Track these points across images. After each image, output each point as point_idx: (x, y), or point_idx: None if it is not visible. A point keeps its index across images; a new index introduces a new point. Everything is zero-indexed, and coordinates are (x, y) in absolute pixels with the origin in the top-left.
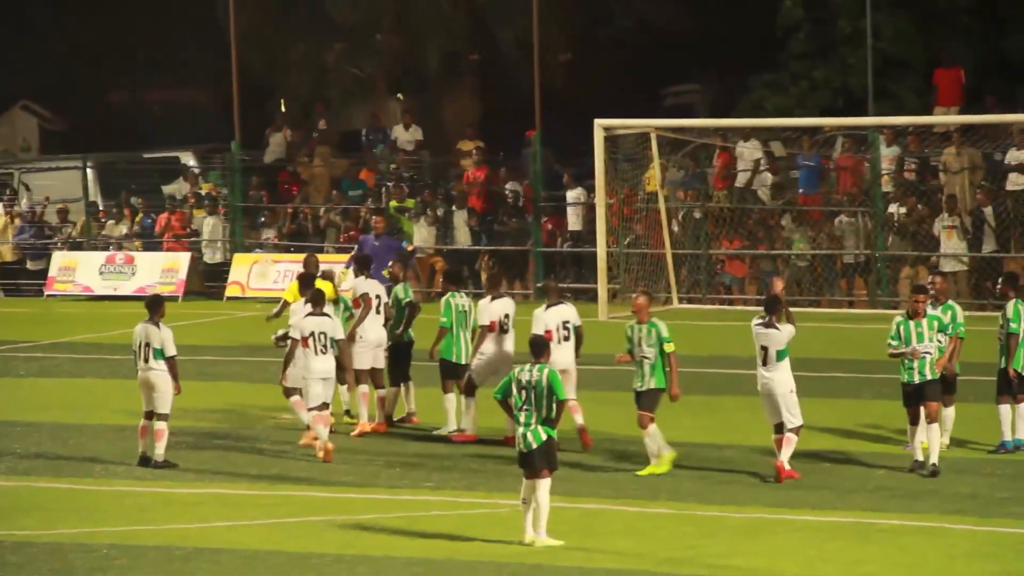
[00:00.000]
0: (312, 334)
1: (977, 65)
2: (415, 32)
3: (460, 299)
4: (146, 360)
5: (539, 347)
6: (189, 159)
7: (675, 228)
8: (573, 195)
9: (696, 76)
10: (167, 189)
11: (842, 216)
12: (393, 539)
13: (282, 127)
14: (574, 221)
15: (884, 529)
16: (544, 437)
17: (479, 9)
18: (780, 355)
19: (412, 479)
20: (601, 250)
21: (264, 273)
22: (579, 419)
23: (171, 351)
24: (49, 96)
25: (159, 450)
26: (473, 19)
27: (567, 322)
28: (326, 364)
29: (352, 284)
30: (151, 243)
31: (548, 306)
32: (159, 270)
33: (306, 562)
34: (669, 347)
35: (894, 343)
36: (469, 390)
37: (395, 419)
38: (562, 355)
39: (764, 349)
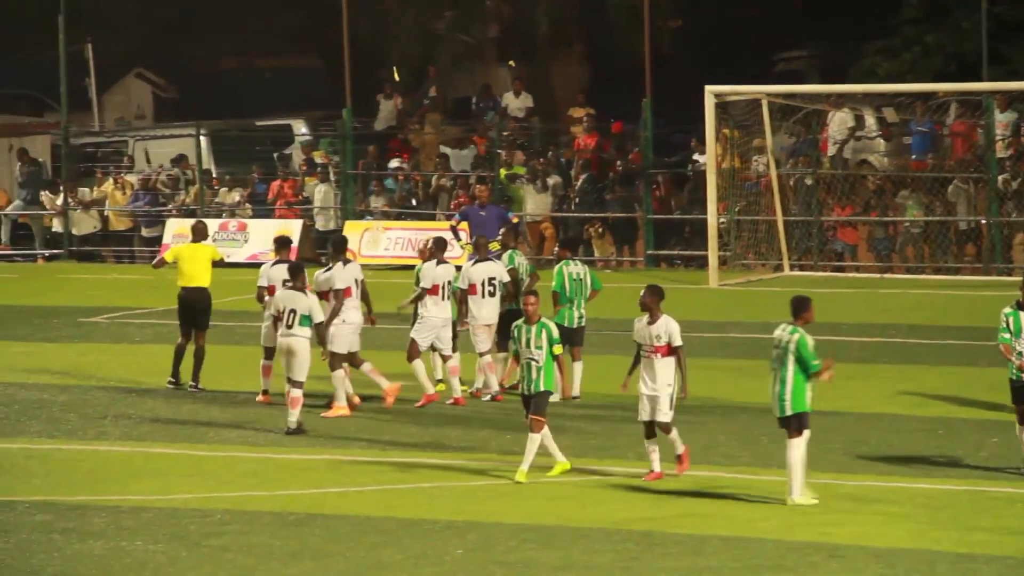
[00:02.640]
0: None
1: None
2: None
3: (574, 267)
4: (289, 326)
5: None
6: (301, 126)
7: (787, 195)
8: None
9: (807, 42)
10: (280, 156)
11: (956, 182)
12: (503, 505)
13: (393, 95)
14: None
15: (997, 497)
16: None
17: None
18: None
19: (523, 445)
20: (712, 217)
21: (375, 240)
22: (492, 380)
23: (319, 317)
24: (162, 64)
25: (292, 416)
26: None
27: (493, 278)
28: (491, 309)
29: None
30: (263, 210)
31: (475, 262)
32: (272, 237)
33: (416, 528)
34: (558, 349)
35: (1006, 336)
36: (414, 355)
37: (507, 386)
38: (487, 310)
39: None
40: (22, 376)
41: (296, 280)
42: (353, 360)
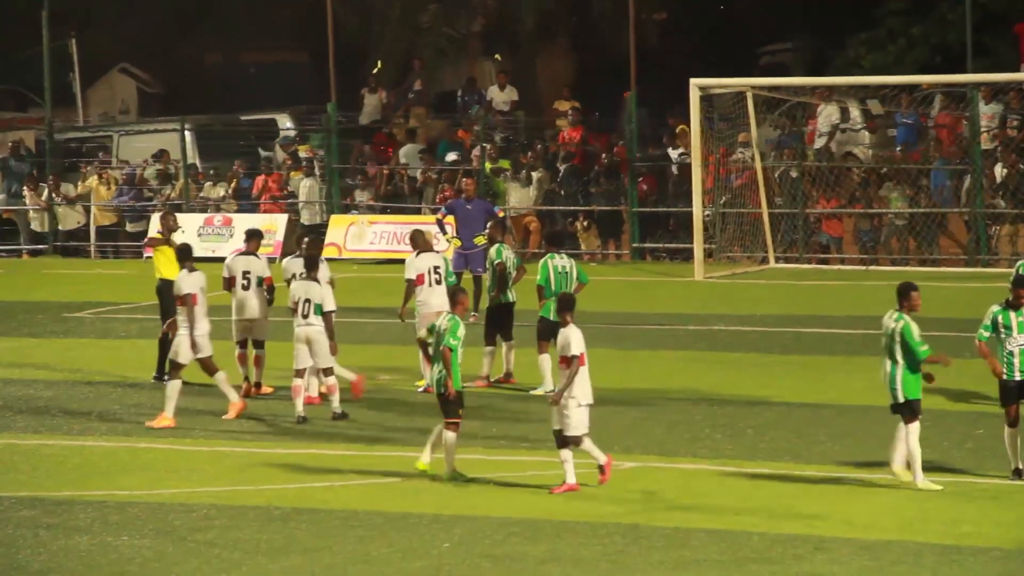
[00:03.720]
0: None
1: None
2: None
3: (559, 260)
4: (305, 316)
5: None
6: (285, 121)
7: (772, 188)
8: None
9: (791, 35)
10: (265, 152)
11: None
12: (490, 499)
13: (377, 88)
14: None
15: (984, 489)
16: None
17: None
18: None
19: (509, 439)
20: (697, 210)
21: (360, 235)
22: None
23: (330, 306)
24: (147, 59)
25: (335, 403)
26: None
27: (437, 267)
28: (440, 297)
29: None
30: (248, 205)
31: (418, 253)
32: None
33: (403, 522)
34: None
35: (985, 334)
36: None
37: (492, 379)
38: (435, 298)
39: None
40: (7, 371)
41: (312, 271)
42: (206, 365)
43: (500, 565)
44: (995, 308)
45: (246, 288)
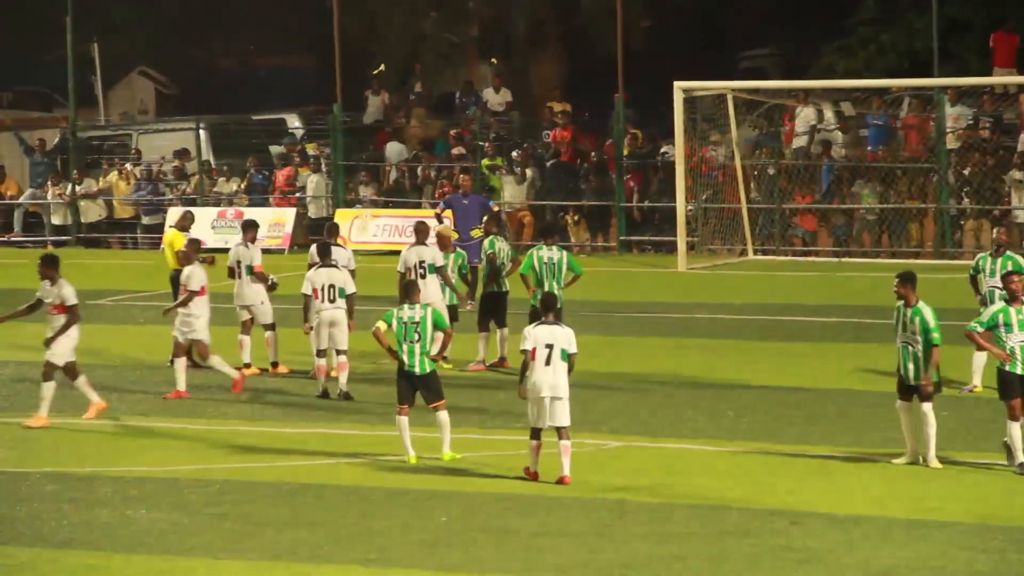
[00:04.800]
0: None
1: None
2: (504, 0)
3: (547, 252)
4: (332, 300)
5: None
6: (294, 120)
7: (750, 184)
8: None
9: (770, 41)
10: (275, 149)
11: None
12: (485, 477)
13: (380, 90)
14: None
15: (948, 467)
16: None
17: None
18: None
19: (503, 419)
20: (680, 205)
21: (364, 227)
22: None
23: (351, 289)
24: (164, 62)
25: (343, 380)
26: None
27: (423, 261)
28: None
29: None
30: (257, 199)
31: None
32: (267, 224)
33: (404, 497)
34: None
35: (979, 328)
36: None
37: (488, 363)
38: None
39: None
40: (33, 355)
41: (327, 257)
42: (70, 371)
43: (494, 538)
44: (996, 307)
45: (240, 277)
